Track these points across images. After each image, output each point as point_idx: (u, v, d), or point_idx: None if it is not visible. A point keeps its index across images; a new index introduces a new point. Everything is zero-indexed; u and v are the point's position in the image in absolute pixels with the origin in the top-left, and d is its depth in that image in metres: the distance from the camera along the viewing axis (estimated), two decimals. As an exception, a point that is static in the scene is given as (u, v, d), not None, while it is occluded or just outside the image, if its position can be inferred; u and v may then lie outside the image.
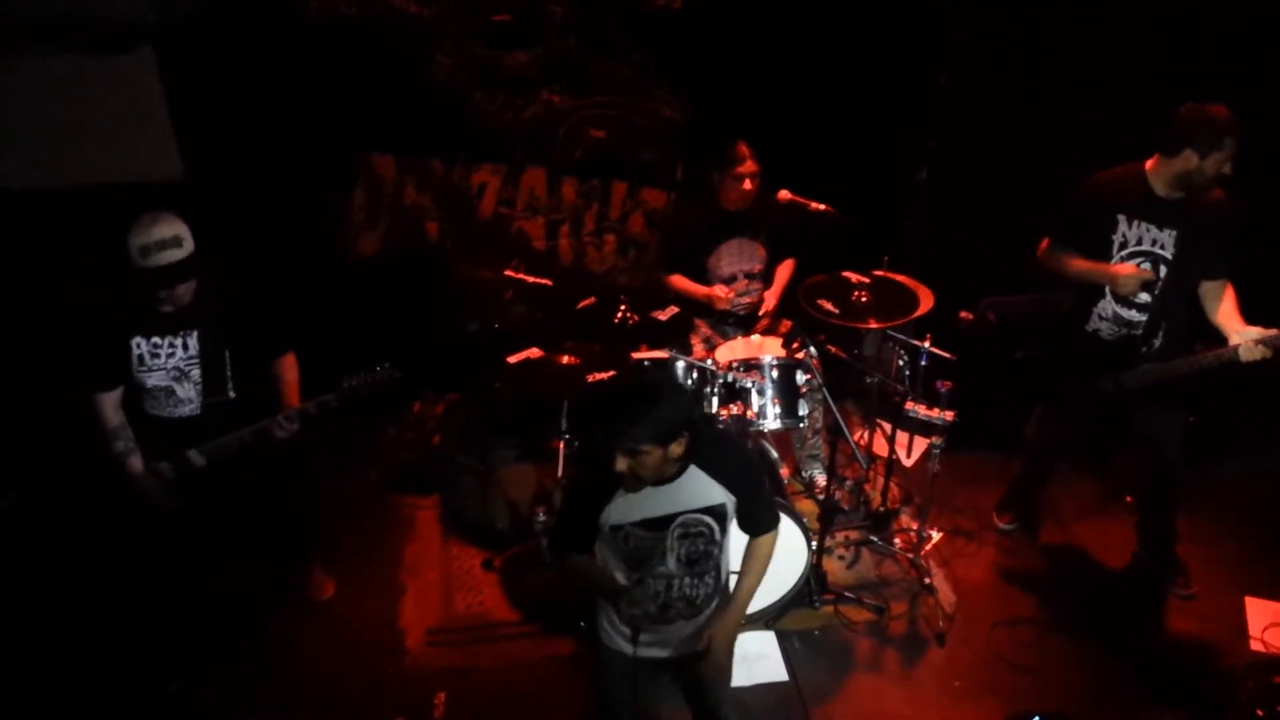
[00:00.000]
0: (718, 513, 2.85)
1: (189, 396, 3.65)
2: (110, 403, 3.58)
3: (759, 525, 3.03)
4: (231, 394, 3.70)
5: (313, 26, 5.10)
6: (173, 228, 3.39)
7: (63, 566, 4.26)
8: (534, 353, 4.95)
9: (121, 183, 4.91)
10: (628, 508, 2.78)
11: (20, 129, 4.82)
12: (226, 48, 4.93)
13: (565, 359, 4.87)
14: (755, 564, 3.06)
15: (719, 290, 4.70)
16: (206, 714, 3.88)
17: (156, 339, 3.56)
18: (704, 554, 2.89)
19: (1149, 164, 3.84)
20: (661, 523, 2.81)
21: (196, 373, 3.63)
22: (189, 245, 3.43)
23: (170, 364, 3.59)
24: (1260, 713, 3.82)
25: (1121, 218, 3.89)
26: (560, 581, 4.39)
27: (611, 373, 4.55)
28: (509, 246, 5.78)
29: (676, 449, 2.64)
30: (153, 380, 3.58)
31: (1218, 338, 3.77)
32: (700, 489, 2.81)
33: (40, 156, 4.88)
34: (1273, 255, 4.25)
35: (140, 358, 3.56)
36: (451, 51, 5.39)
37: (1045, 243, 4.17)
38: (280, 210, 5.19)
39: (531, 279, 5.12)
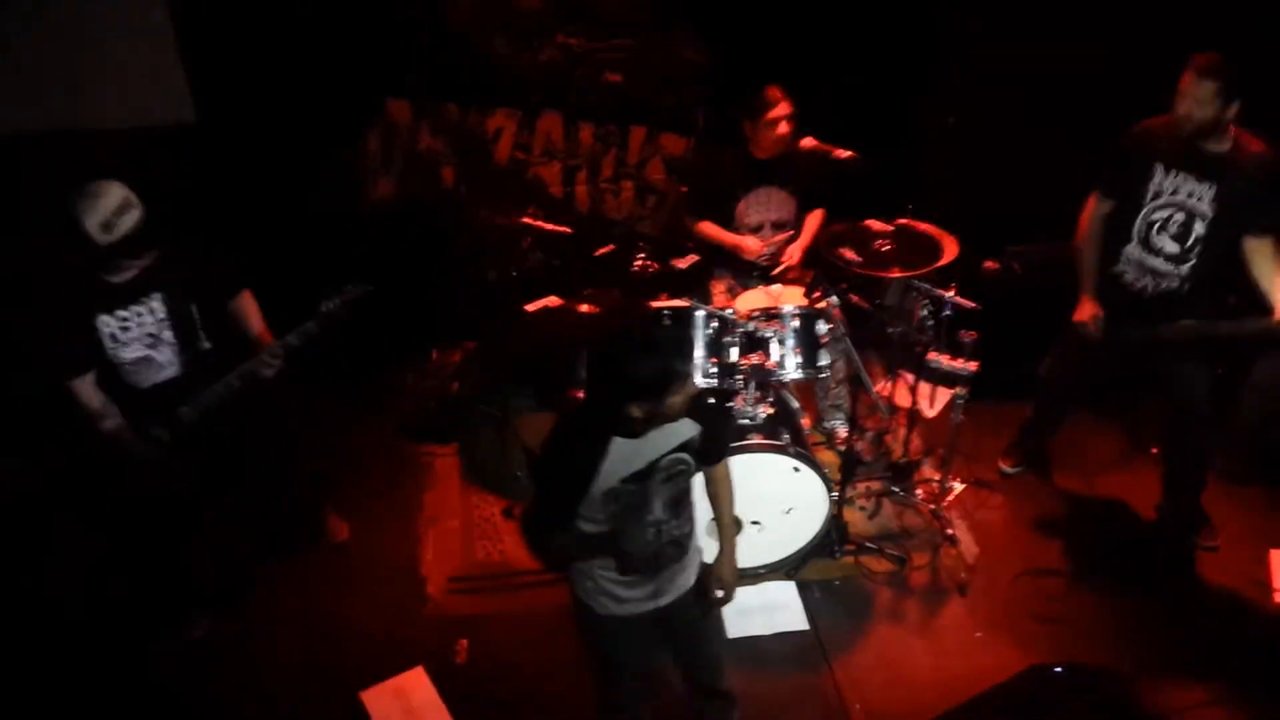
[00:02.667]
0: (691, 447, 2.78)
1: (168, 359, 3.55)
2: (87, 387, 3.43)
3: (721, 454, 3.00)
4: (206, 344, 3.63)
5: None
6: (119, 190, 3.26)
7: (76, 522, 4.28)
8: (552, 301, 4.92)
9: (132, 127, 4.83)
10: (615, 468, 2.67)
11: (18, 69, 4.70)
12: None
13: (584, 307, 4.82)
14: (725, 492, 3.07)
15: (749, 241, 4.62)
16: (230, 660, 3.90)
17: (121, 312, 3.42)
18: (684, 491, 2.84)
19: None
20: (647, 471, 2.72)
21: (169, 334, 3.52)
22: (138, 202, 3.29)
23: (143, 332, 3.47)
24: (1284, 666, 3.82)
25: (1159, 166, 3.82)
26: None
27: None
28: (525, 193, 5.70)
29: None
30: (129, 354, 3.46)
31: (1251, 293, 3.71)
32: (674, 426, 2.73)
33: (41, 98, 4.76)
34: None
35: (112, 335, 3.42)
36: (468, -9, 5.28)
37: (1092, 198, 4.09)
38: (294, 156, 5.12)
39: (549, 226, 5.05)
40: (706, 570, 3.10)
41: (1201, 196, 3.75)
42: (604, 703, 3.25)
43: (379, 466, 4.88)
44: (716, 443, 2.94)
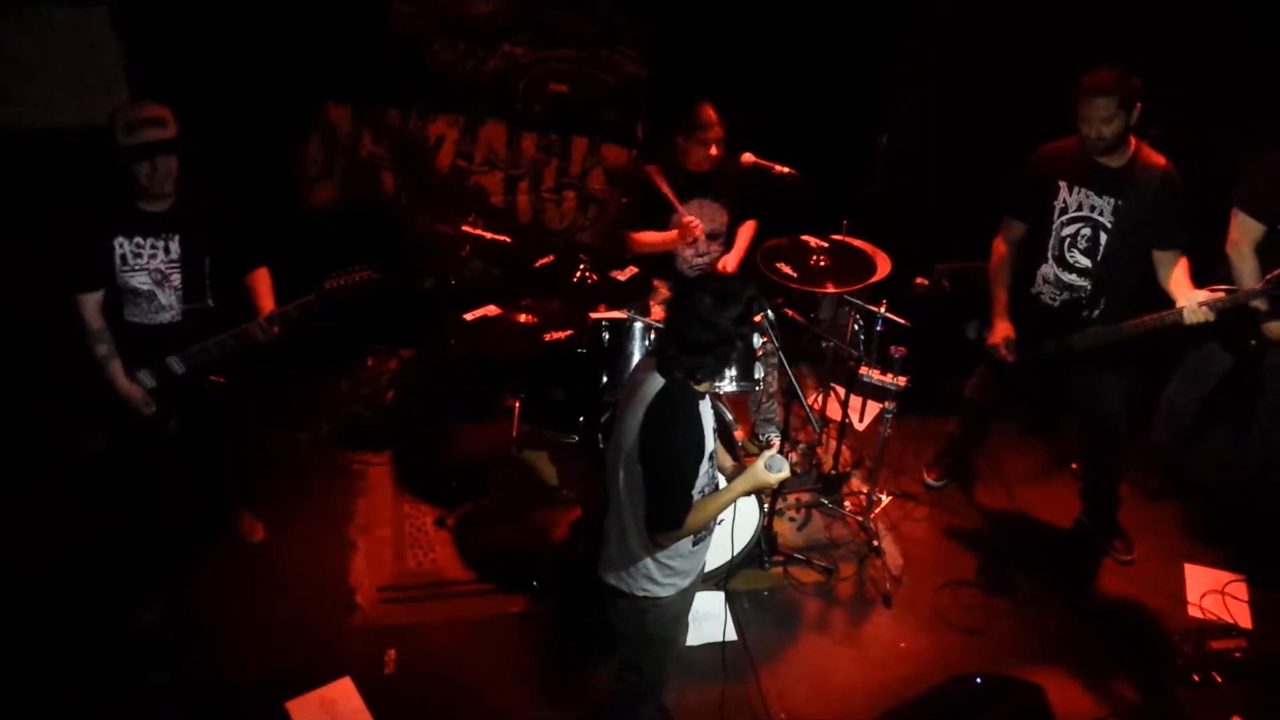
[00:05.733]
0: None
1: (170, 302, 3.70)
2: (92, 305, 3.59)
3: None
4: (210, 302, 3.79)
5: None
6: (158, 110, 3.48)
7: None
8: (491, 310, 4.92)
9: (71, 126, 4.77)
10: (708, 427, 2.93)
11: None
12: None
13: (523, 317, 4.84)
14: None
15: (687, 219, 4.54)
16: (153, 660, 3.83)
17: (139, 239, 3.58)
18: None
19: None
20: (717, 426, 3.06)
21: (177, 277, 3.67)
22: (173, 130, 3.49)
23: (153, 265, 3.62)
24: (1196, 677, 3.96)
25: (1063, 184, 3.98)
26: (514, 539, 4.44)
27: (569, 332, 4.55)
28: (466, 201, 5.70)
29: None
30: (135, 281, 3.61)
31: (1167, 307, 3.85)
32: None
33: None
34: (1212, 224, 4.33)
35: (123, 257, 3.57)
36: (412, -2, 5.28)
37: (1003, 223, 4.22)
38: (233, 160, 5.07)
39: (489, 235, 5.07)
40: None
41: (1102, 211, 3.90)
42: (648, 692, 3.37)
43: (311, 473, 4.82)
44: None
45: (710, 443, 2.93)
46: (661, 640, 3.22)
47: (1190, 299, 3.74)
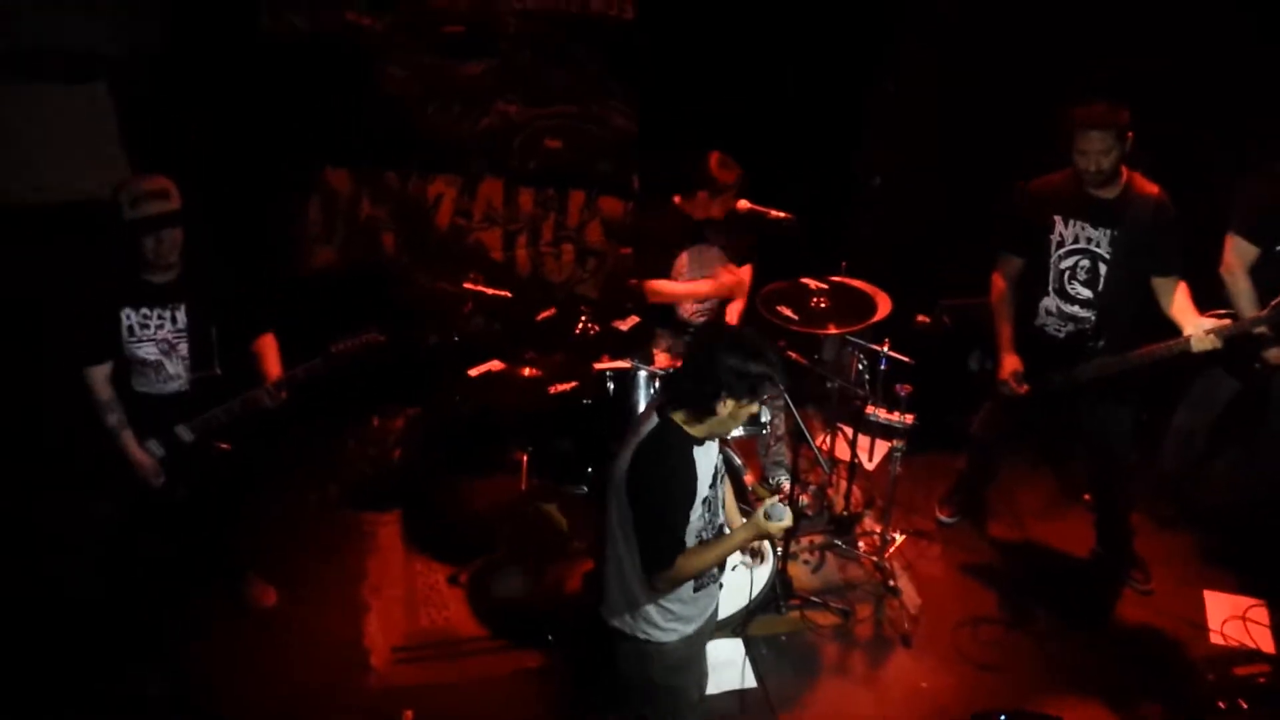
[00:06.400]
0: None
1: (178, 372, 3.73)
2: (101, 377, 3.63)
3: None
4: (218, 370, 3.80)
5: (266, 43, 5.07)
6: (162, 182, 3.54)
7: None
8: (495, 365, 4.93)
9: (72, 200, 4.84)
10: (703, 475, 2.88)
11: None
12: (182, 68, 4.88)
13: (526, 371, 4.85)
14: None
15: (725, 276, 4.58)
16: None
17: (145, 310, 3.63)
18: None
19: None
20: (716, 475, 3.00)
21: (184, 347, 3.70)
22: (177, 201, 3.54)
23: (160, 335, 3.66)
24: (1222, 704, 3.88)
25: (1058, 218, 4.00)
26: (526, 593, 4.40)
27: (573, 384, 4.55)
28: (466, 258, 5.75)
29: None
30: (143, 352, 3.64)
31: (1169, 334, 3.86)
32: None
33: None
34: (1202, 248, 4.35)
35: (130, 329, 3.61)
36: (404, 63, 5.37)
37: (999, 261, 4.24)
38: (234, 228, 5.12)
39: (490, 291, 5.10)
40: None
41: (1099, 242, 3.93)
42: None
43: (320, 535, 4.80)
44: None
45: (705, 488, 2.90)
46: (668, 688, 3.17)
47: (1197, 327, 3.75)
